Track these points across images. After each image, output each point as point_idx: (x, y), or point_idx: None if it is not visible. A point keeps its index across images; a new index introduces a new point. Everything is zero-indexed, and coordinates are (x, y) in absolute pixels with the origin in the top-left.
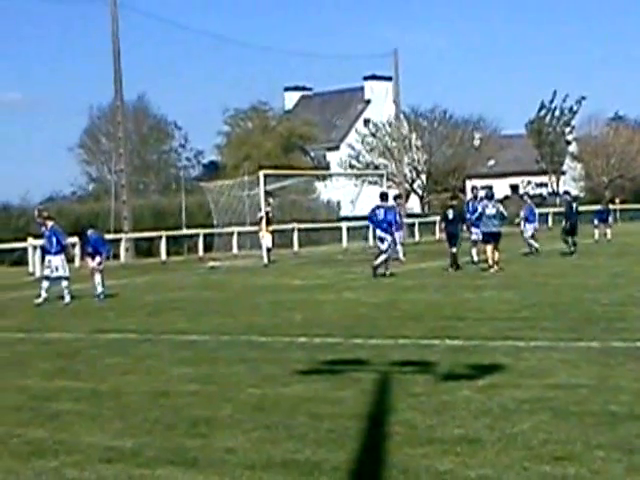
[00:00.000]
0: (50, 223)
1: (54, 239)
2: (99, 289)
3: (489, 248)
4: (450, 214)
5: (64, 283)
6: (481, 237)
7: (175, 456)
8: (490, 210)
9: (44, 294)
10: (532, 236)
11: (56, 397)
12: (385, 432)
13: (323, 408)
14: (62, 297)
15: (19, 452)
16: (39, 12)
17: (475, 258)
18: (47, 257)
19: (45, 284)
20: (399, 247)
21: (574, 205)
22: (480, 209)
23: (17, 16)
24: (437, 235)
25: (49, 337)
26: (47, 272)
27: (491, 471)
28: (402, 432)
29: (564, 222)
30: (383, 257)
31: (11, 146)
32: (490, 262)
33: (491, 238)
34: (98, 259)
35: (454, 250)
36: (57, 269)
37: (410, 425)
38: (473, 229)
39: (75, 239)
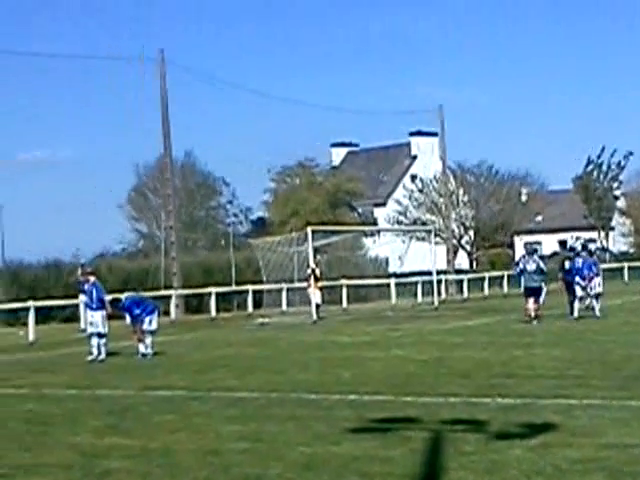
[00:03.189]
0: (92, 279)
1: (94, 295)
2: (141, 348)
3: (531, 302)
4: (567, 265)
5: (102, 340)
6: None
7: None
8: (530, 266)
9: (95, 351)
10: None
11: (106, 455)
12: None
13: (373, 467)
14: (91, 352)
15: None
16: (86, 70)
17: (597, 313)
18: (89, 313)
19: (94, 341)
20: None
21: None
22: (522, 265)
23: (65, 73)
24: (486, 291)
25: (99, 394)
26: (91, 329)
27: None
28: None
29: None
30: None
31: (62, 204)
32: (533, 314)
33: (532, 293)
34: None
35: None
36: (97, 325)
37: None
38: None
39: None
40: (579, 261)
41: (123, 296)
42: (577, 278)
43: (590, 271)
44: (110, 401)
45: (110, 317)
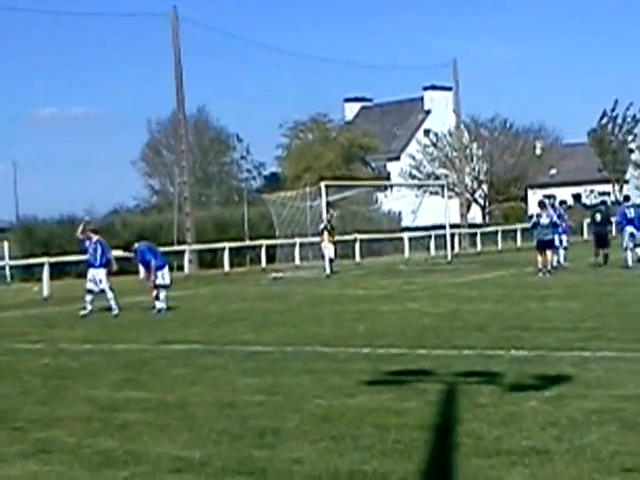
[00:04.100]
0: (95, 237)
1: (99, 253)
2: (157, 304)
3: (544, 254)
4: (598, 217)
5: (109, 295)
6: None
7: (243, 466)
8: (544, 220)
9: (89, 307)
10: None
11: (124, 408)
12: (452, 443)
13: (389, 419)
14: (110, 309)
15: (89, 462)
16: (100, 26)
17: (630, 263)
18: (90, 270)
19: (89, 297)
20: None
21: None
22: (535, 219)
23: (79, 30)
24: (499, 245)
25: (116, 348)
26: (90, 285)
27: None
28: (469, 443)
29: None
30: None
31: (75, 160)
32: (541, 267)
33: (544, 245)
34: (149, 274)
35: (606, 251)
36: (101, 282)
37: (477, 436)
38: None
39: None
40: (631, 211)
41: (136, 244)
42: (630, 228)
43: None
44: (127, 355)
45: (120, 272)
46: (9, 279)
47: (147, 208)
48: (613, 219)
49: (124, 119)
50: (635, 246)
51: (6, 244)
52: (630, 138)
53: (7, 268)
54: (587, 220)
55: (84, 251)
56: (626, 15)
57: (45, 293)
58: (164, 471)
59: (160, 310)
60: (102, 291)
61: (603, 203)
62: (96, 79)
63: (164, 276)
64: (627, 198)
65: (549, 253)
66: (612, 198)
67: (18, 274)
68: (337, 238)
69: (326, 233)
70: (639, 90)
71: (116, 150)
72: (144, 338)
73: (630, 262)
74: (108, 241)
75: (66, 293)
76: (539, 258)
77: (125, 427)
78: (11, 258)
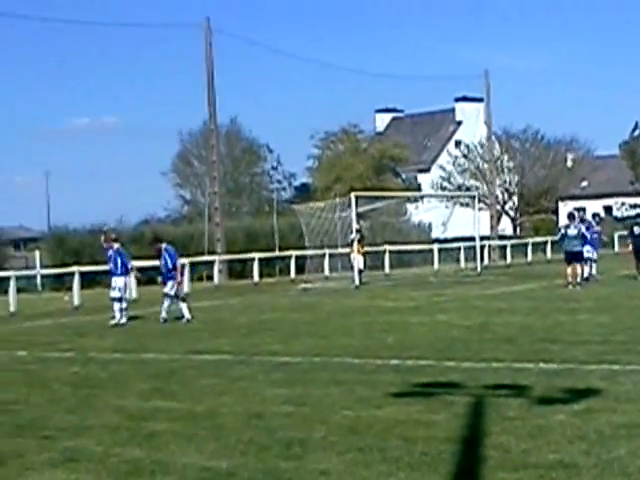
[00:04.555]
0: (116, 245)
1: (119, 261)
2: (186, 314)
3: (573, 267)
4: (636, 230)
5: (123, 304)
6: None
7: (269, 477)
8: (572, 231)
9: (118, 315)
10: None
11: (152, 417)
12: (479, 456)
13: (416, 431)
14: (113, 317)
15: (117, 471)
16: (135, 36)
17: None
18: (113, 278)
19: (117, 306)
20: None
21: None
22: (562, 230)
23: (112, 40)
24: (529, 257)
25: (144, 357)
26: (114, 294)
27: None
28: (496, 456)
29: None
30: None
31: (107, 170)
32: (571, 279)
33: (572, 257)
34: (170, 283)
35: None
36: (120, 290)
37: (504, 449)
38: None
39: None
40: None
41: (163, 245)
42: None
43: None
44: (155, 365)
45: (139, 283)
46: (40, 288)
47: (178, 218)
48: None
49: (155, 130)
50: None
51: (37, 253)
52: None
53: (38, 277)
54: (618, 233)
55: (108, 259)
56: None
57: (76, 302)
58: None
59: (166, 320)
60: (120, 299)
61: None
62: (128, 90)
63: (173, 286)
64: None
65: (578, 265)
66: None
67: (49, 283)
68: (366, 249)
69: (356, 244)
70: None
71: (147, 160)
72: (173, 348)
73: None
74: (138, 251)
75: (96, 302)
76: (568, 270)
77: (153, 437)
78: (42, 267)
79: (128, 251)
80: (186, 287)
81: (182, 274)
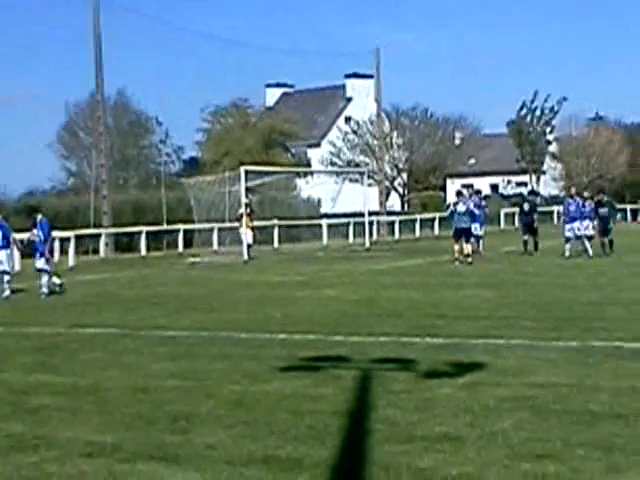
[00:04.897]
0: None
1: (0, 234)
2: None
3: (462, 244)
4: (526, 207)
5: (5, 277)
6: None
7: (156, 451)
8: (460, 208)
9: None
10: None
11: (35, 391)
12: (366, 429)
13: (304, 405)
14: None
15: None
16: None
17: (567, 253)
18: None
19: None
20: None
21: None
22: (452, 207)
23: None
24: (417, 233)
25: (28, 331)
26: None
27: (472, 469)
28: (383, 429)
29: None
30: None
31: None
32: (457, 255)
33: (461, 233)
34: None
35: (525, 237)
36: (1, 263)
37: (391, 422)
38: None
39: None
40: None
41: (39, 216)
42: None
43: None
44: (39, 338)
45: (22, 255)
46: None
47: (63, 191)
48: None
49: (39, 101)
50: (577, 238)
51: None
52: (548, 130)
53: None
54: (504, 210)
55: None
56: (545, 6)
57: None
58: (75, 455)
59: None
60: (2, 272)
61: (532, 192)
62: (12, 59)
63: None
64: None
65: (465, 242)
66: (529, 188)
67: None
68: (256, 224)
69: (245, 218)
70: (557, 82)
71: (33, 133)
72: (58, 321)
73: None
74: (22, 223)
75: None
76: (455, 247)
77: (36, 411)
78: None
79: (10, 223)
80: (71, 261)
81: (51, 249)
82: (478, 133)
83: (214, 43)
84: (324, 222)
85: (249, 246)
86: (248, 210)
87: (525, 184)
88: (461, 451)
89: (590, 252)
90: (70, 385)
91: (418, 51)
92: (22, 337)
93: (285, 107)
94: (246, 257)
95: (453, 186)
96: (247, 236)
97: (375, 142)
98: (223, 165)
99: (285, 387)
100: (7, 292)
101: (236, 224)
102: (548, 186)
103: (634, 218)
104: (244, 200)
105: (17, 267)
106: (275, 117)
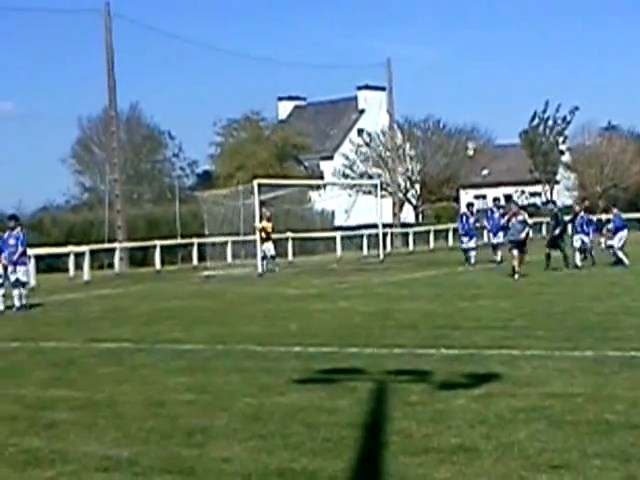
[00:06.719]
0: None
1: None
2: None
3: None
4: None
5: (23, 291)
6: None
7: (171, 465)
8: (517, 219)
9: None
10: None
11: (51, 406)
12: (381, 441)
13: (319, 417)
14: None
15: (15, 461)
16: (32, 21)
17: (579, 263)
18: None
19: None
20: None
21: (559, 215)
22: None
23: (9, 24)
24: (431, 244)
25: (44, 346)
26: None
27: None
28: (398, 441)
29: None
30: None
31: (4, 156)
32: (517, 269)
33: (518, 245)
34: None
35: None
36: (21, 273)
37: (406, 434)
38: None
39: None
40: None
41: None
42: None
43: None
44: (55, 353)
45: (51, 269)
46: None
47: (77, 205)
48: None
49: (54, 116)
50: (584, 250)
51: None
52: (560, 139)
53: None
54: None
55: None
56: (556, 17)
57: None
58: (91, 470)
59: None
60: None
61: (550, 202)
62: (26, 75)
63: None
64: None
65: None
66: (542, 199)
67: None
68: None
69: (262, 231)
70: (569, 91)
71: (47, 147)
72: (73, 336)
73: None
74: (37, 239)
75: None
76: (514, 262)
77: (52, 426)
78: None
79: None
80: (86, 276)
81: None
82: (491, 144)
83: (225, 57)
84: (338, 234)
85: (273, 258)
86: (270, 223)
87: (539, 194)
88: (477, 462)
89: (626, 261)
90: (86, 400)
91: (430, 62)
92: (38, 352)
93: (298, 120)
94: (260, 270)
95: (466, 197)
96: (269, 248)
97: (388, 154)
98: (237, 178)
99: (300, 400)
100: (23, 301)
101: (250, 237)
102: (562, 196)
103: None
104: (267, 213)
105: (32, 282)
106: (288, 130)
